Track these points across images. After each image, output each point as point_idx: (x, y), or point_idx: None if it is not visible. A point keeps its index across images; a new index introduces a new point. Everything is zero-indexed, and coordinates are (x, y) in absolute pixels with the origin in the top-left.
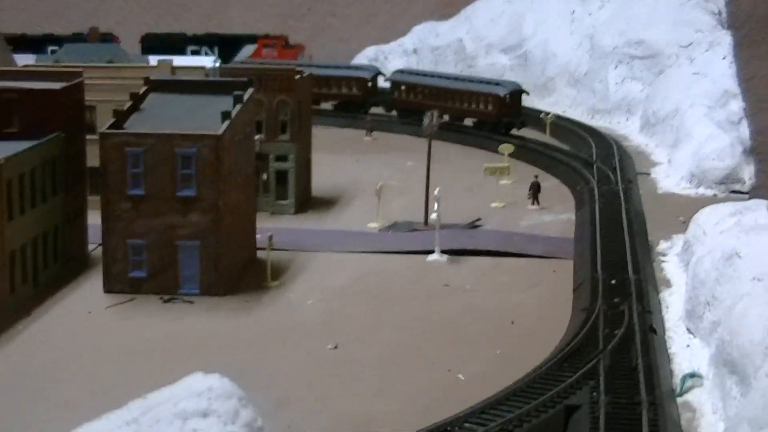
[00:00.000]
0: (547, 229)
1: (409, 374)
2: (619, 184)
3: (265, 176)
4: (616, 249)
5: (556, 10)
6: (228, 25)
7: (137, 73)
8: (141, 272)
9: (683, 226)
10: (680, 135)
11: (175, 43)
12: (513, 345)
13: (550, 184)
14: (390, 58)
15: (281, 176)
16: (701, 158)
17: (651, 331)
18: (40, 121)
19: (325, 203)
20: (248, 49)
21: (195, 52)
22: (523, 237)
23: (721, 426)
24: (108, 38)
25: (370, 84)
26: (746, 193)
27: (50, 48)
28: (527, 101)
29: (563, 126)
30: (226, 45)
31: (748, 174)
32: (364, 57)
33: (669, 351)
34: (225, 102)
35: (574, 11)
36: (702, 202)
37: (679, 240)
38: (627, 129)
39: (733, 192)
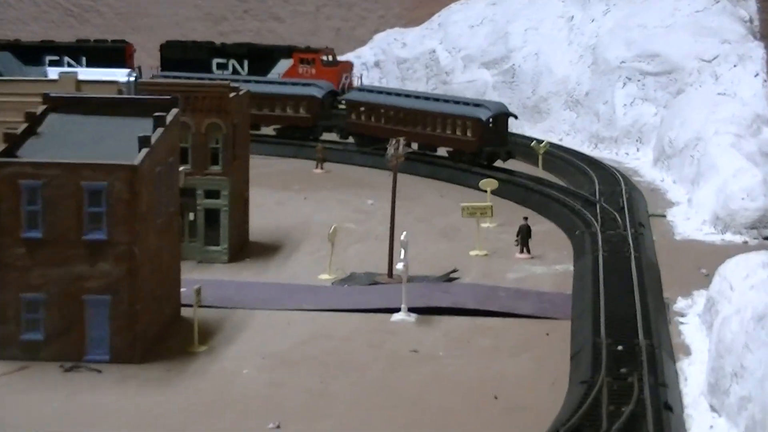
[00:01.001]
0: (538, 283)
1: None
2: (628, 228)
3: (191, 216)
4: (623, 308)
5: (550, 15)
6: (145, 26)
7: (34, 88)
8: (37, 334)
9: (706, 280)
10: (702, 169)
11: (199, 54)
12: (496, 425)
13: (542, 228)
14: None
15: (212, 217)
16: (728, 197)
17: (666, 408)
18: None
19: (266, 250)
20: (283, 65)
21: (221, 67)
22: (509, 293)
23: None
24: (118, 46)
25: (321, 104)
26: None
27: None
28: (515, 126)
29: (559, 157)
30: (256, 58)
31: None
32: None
33: None
34: (143, 125)
35: (572, 17)
36: (729, 251)
37: (700, 297)
38: (638, 161)
39: (767, 239)
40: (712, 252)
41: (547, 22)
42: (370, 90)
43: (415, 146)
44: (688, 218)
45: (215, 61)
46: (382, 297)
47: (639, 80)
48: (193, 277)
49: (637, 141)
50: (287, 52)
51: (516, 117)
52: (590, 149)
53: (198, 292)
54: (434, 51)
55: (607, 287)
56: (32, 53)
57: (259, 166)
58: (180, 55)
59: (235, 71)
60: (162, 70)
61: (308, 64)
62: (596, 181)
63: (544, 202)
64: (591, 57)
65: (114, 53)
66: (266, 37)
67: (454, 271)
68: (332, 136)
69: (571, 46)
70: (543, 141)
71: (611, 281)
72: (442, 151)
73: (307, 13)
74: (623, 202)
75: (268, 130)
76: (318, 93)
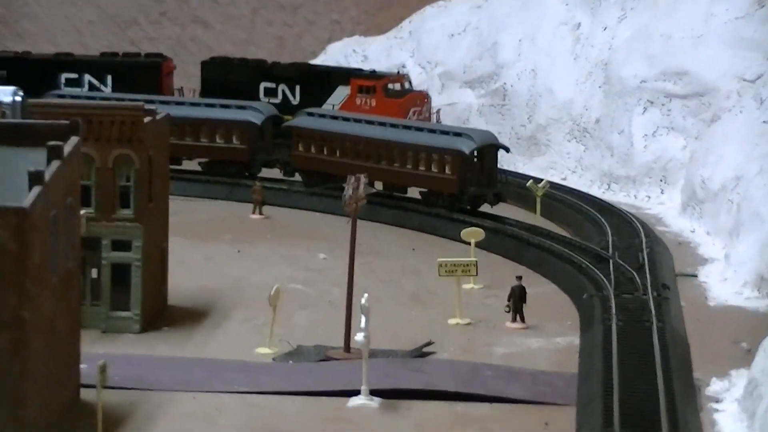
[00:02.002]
0: (535, 360)
1: None
2: (649, 291)
3: (95, 274)
4: (642, 392)
5: (551, 22)
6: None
7: None
8: None
9: (747, 357)
10: (743, 217)
11: (244, 76)
12: None
13: (540, 290)
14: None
15: (120, 274)
16: None
17: None
18: None
19: (189, 317)
20: (341, 94)
21: (270, 93)
22: (497, 372)
23: None
24: (152, 62)
25: (260, 132)
26: None
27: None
28: (506, 161)
29: (562, 201)
30: (310, 83)
31: None
32: None
33: None
34: (34, 157)
35: (579, 24)
36: None
37: (740, 378)
38: (662, 207)
39: None
40: (755, 322)
41: (547, 31)
42: (322, 115)
43: (379, 186)
44: (725, 279)
45: (263, 85)
46: (337, 377)
47: (663, 105)
48: (96, 350)
49: (660, 181)
50: (348, 76)
51: (508, 150)
52: (602, 191)
53: (102, 369)
54: (404, 66)
55: (622, 366)
56: (46, 70)
57: (181, 210)
58: (222, 77)
59: (284, 99)
60: (202, 96)
61: (367, 93)
62: (609, 232)
63: (543, 258)
64: (602, 75)
65: (146, 71)
66: (188, 47)
67: (429, 344)
68: (274, 173)
69: (578, 61)
70: (542, 180)
71: (628, 358)
72: (413, 192)
73: (241, 17)
74: (643, 258)
75: (193, 165)
76: (256, 118)
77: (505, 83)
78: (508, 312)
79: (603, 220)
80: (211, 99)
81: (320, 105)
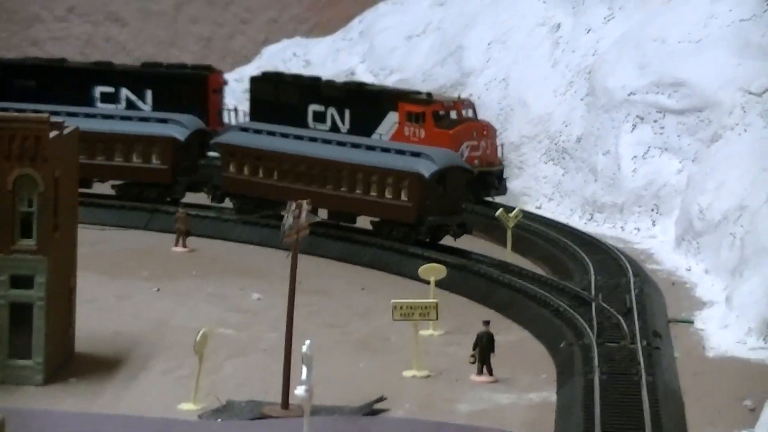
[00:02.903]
0: (504, 420)
1: None
2: (638, 340)
3: None
4: None
5: (526, 21)
6: None
7: None
8: None
9: (752, 416)
10: (748, 253)
11: (292, 96)
12: None
13: (511, 337)
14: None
15: (20, 315)
16: None
17: None
18: None
19: (101, 367)
20: (391, 120)
21: (319, 118)
22: None
23: None
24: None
25: (184, 150)
26: None
27: None
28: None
29: (537, 233)
30: (360, 106)
31: None
32: None
33: None
34: None
35: (559, 25)
36: None
37: None
38: (653, 240)
39: None
40: (761, 376)
41: (522, 32)
42: (258, 130)
43: (324, 214)
44: (726, 325)
45: (312, 108)
46: None
47: (656, 121)
48: None
49: (652, 210)
50: (394, 99)
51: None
52: (583, 222)
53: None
54: (353, 72)
55: (605, 427)
56: (80, 81)
57: (93, 241)
58: (271, 96)
59: (333, 126)
60: (251, 118)
61: (416, 121)
62: (592, 270)
63: (515, 300)
64: (585, 85)
65: (188, 85)
66: (101, 48)
67: (381, 399)
68: (201, 198)
69: (557, 68)
70: (513, 209)
71: (612, 418)
72: (364, 222)
73: (162, 13)
74: (631, 301)
75: (106, 188)
76: (179, 133)
77: (471, 94)
78: (474, 363)
79: (585, 256)
80: (129, 111)
81: (369, 134)
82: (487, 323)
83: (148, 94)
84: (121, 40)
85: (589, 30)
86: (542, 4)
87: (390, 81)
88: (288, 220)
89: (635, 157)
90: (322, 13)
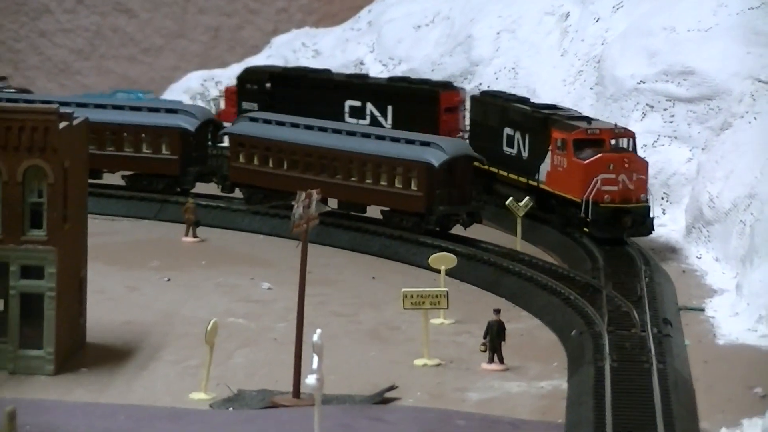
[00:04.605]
0: (515, 408)
1: None
2: (648, 328)
3: (1, 305)
4: None
5: (534, 10)
6: None
7: None
8: None
9: (762, 404)
10: (758, 241)
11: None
12: None
13: (522, 326)
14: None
15: (31, 306)
16: None
17: None
18: None
19: (111, 357)
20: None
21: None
22: (472, 421)
23: None
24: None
25: (193, 140)
26: None
27: None
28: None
29: (547, 222)
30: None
31: None
32: (181, 89)
33: None
34: None
35: (567, 14)
36: None
37: (753, 428)
38: (663, 229)
39: None
40: None
41: (530, 22)
42: (267, 120)
43: (334, 204)
44: (737, 313)
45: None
46: (285, 427)
47: (666, 109)
48: (3, 395)
49: (662, 199)
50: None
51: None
52: None
53: (11, 416)
54: (362, 62)
55: (616, 415)
56: (336, 94)
57: (102, 232)
58: (291, 91)
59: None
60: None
61: (562, 149)
62: (601, 258)
63: (525, 289)
64: (594, 74)
65: (421, 103)
66: (109, 40)
67: (392, 388)
68: (211, 188)
69: (566, 57)
70: (524, 198)
71: (623, 406)
72: (374, 211)
73: (170, 4)
74: (641, 289)
75: (116, 179)
76: (189, 124)
77: (480, 83)
78: (484, 351)
79: (594, 245)
80: (139, 102)
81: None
82: (497, 312)
83: (389, 110)
84: (129, 31)
85: (598, 19)
86: None
87: (398, 71)
88: (298, 210)
89: (645, 145)
90: (331, 3)
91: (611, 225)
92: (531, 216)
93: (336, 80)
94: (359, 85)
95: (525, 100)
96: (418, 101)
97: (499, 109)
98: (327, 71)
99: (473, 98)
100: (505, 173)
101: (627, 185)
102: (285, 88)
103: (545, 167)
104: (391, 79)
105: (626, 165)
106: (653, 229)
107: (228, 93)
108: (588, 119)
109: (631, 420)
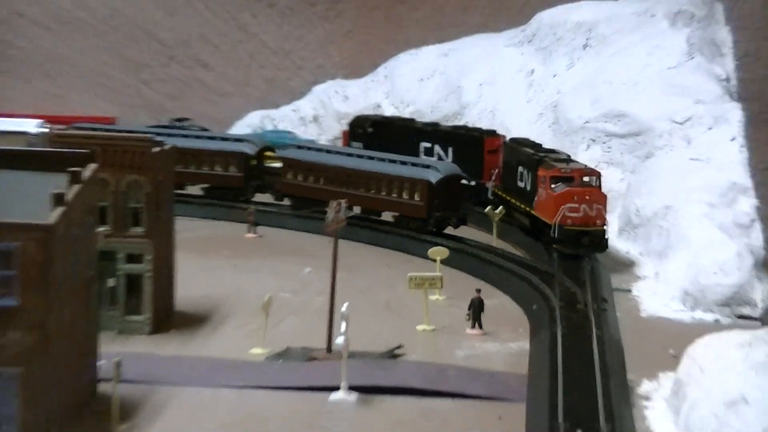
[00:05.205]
0: (491, 362)
1: None
2: (589, 304)
3: (111, 282)
4: (583, 390)
5: (508, 68)
6: (61, 72)
7: None
8: None
9: (674, 362)
10: (672, 240)
11: (402, 132)
12: None
13: (496, 301)
14: (282, 126)
15: (133, 283)
16: (699, 272)
17: None
18: None
19: (193, 321)
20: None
21: (427, 152)
22: (459, 372)
23: None
24: (474, 137)
25: (254, 162)
26: (758, 319)
27: None
28: (468, 189)
29: (515, 225)
30: (460, 146)
31: (760, 294)
32: (245, 125)
33: None
34: (57, 181)
35: (532, 71)
36: (699, 330)
37: (667, 380)
38: None
39: (741, 317)
40: (681, 331)
41: (505, 76)
42: (309, 147)
43: (357, 210)
44: (655, 294)
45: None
46: (320, 374)
47: (604, 142)
48: (112, 349)
49: None
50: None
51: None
52: None
53: (117, 365)
54: (379, 105)
55: (566, 367)
56: (414, 138)
57: (186, 229)
58: (384, 134)
59: (440, 159)
60: None
61: (542, 182)
62: (556, 253)
63: (499, 274)
64: (552, 115)
65: (471, 145)
66: (193, 86)
67: (399, 347)
68: (266, 198)
69: (531, 103)
70: (498, 207)
71: (571, 361)
72: (387, 216)
73: (239, 60)
74: (585, 275)
75: (195, 190)
76: (250, 149)
77: (467, 121)
78: (468, 320)
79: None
80: (211, 132)
81: (473, 171)
82: (478, 291)
83: (450, 150)
84: (208, 81)
85: (555, 75)
86: (520, 56)
87: (407, 111)
88: (330, 214)
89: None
90: (357, 61)
91: (572, 243)
92: (504, 221)
93: (414, 127)
94: (430, 132)
95: (537, 146)
96: (469, 145)
97: (516, 152)
98: (411, 120)
99: (504, 143)
100: (516, 202)
101: (588, 213)
102: (380, 131)
103: (536, 197)
104: (454, 127)
105: (587, 198)
106: (607, 248)
107: (344, 134)
108: (568, 161)
109: (576, 372)
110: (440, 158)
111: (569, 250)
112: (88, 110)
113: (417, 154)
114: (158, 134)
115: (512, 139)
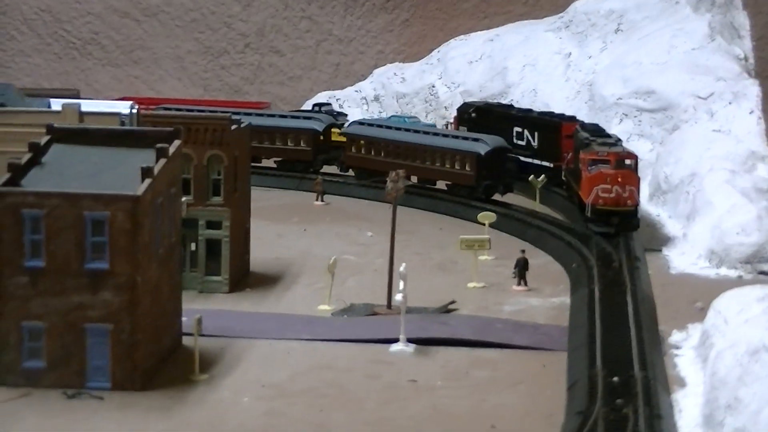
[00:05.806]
0: (535, 316)
1: None
2: (623, 262)
3: (193, 247)
4: (619, 340)
5: (548, 51)
6: (146, 59)
7: (37, 119)
8: (39, 362)
9: (701, 314)
10: (697, 205)
11: (500, 117)
12: None
13: (539, 261)
14: (346, 106)
15: (213, 247)
16: (723, 233)
17: None
18: None
19: (266, 281)
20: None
21: (518, 136)
22: (506, 325)
23: None
24: (552, 122)
25: (321, 137)
26: None
27: None
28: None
29: (556, 191)
30: (543, 132)
31: None
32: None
33: None
34: (145, 156)
35: (569, 54)
36: (723, 285)
37: (695, 330)
38: None
39: (762, 273)
40: (707, 286)
41: (545, 59)
42: (370, 124)
43: (414, 179)
44: (683, 253)
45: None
46: (381, 328)
47: (635, 117)
48: (193, 306)
49: None
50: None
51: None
52: None
53: (198, 321)
54: (433, 86)
55: (602, 320)
56: (508, 123)
57: (260, 198)
58: (485, 119)
59: (528, 143)
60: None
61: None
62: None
63: (541, 236)
64: (588, 93)
65: (550, 130)
66: (266, 71)
67: (452, 303)
68: (333, 169)
69: (568, 82)
70: (541, 176)
71: (607, 314)
72: (441, 185)
73: (307, 47)
74: (619, 236)
75: (269, 163)
76: (318, 126)
77: (512, 99)
78: (515, 278)
79: None
80: (282, 111)
81: (554, 154)
82: (523, 251)
83: (536, 135)
84: (279, 65)
85: (590, 57)
86: (559, 40)
87: (458, 91)
88: (389, 183)
89: (620, 141)
90: (413, 47)
91: (604, 221)
92: (546, 188)
93: (508, 113)
94: (521, 117)
95: (598, 131)
96: (550, 130)
97: (578, 137)
98: (509, 106)
99: (461, 108)
100: (573, 183)
101: (620, 194)
102: (481, 117)
103: (581, 179)
104: (540, 113)
105: (619, 179)
106: (638, 227)
107: (455, 119)
108: (611, 144)
109: (612, 323)
110: (529, 141)
111: (601, 229)
112: (172, 93)
113: (511, 137)
114: (237, 113)
115: (581, 124)
